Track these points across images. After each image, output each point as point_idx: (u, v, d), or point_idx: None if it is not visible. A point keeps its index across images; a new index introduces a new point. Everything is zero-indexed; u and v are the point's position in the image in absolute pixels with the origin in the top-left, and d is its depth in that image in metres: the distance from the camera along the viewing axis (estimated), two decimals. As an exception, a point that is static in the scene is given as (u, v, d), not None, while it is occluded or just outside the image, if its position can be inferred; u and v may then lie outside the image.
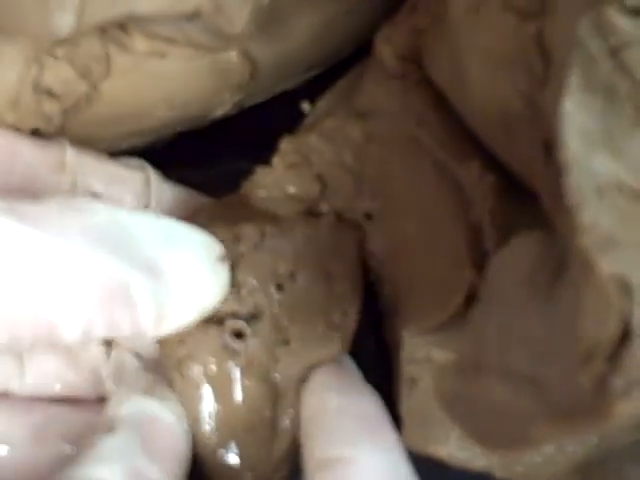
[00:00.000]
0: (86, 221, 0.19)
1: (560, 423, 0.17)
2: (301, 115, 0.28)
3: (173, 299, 0.20)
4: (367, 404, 0.21)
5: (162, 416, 0.21)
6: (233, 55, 0.24)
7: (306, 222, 0.24)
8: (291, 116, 0.28)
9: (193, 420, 0.22)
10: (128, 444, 0.20)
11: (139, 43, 0.23)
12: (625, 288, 0.15)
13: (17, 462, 0.22)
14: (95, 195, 0.24)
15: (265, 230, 0.23)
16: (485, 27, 0.20)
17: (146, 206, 0.25)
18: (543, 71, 0.19)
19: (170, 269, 0.20)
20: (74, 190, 0.24)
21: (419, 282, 0.23)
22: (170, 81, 0.24)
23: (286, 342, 0.23)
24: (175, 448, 0.21)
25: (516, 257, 0.19)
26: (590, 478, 0.22)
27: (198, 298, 0.21)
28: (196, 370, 0.22)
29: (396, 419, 0.22)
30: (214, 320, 0.22)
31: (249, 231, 0.23)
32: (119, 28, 0.23)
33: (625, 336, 0.15)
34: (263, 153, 0.26)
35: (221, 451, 0.22)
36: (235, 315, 0.23)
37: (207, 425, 0.22)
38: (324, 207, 0.25)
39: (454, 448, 0.22)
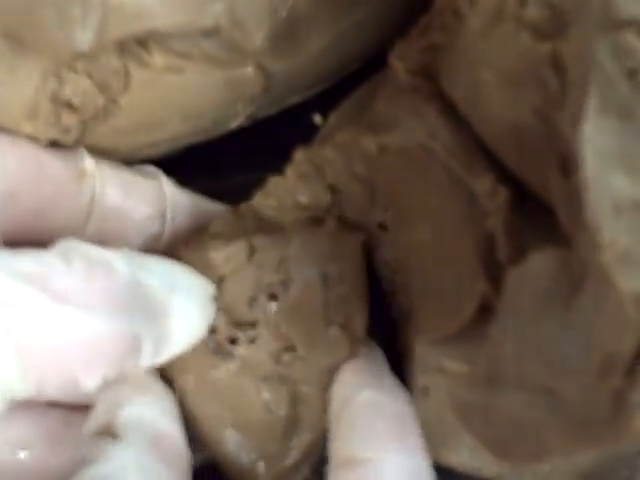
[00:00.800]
0: (109, 284, 0.21)
1: (576, 436, 0.17)
2: (312, 127, 0.28)
3: (172, 339, 0.22)
4: (397, 402, 0.22)
5: (160, 420, 0.21)
6: (248, 70, 0.25)
7: (305, 228, 0.25)
8: (302, 128, 0.28)
9: (208, 424, 0.23)
10: (138, 448, 0.20)
11: (157, 58, 0.23)
12: (643, 305, 0.15)
13: (35, 466, 0.22)
14: (113, 208, 0.24)
15: (256, 245, 0.24)
16: (500, 45, 0.21)
17: (161, 214, 0.25)
18: (559, 89, 0.19)
19: (174, 314, 0.22)
20: (92, 202, 0.24)
21: (431, 292, 0.23)
22: (186, 95, 0.25)
23: (292, 348, 0.23)
24: (177, 445, 0.21)
25: (533, 272, 0.19)
26: (600, 486, 0.22)
27: (190, 335, 0.23)
28: (190, 380, 0.23)
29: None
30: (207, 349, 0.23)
31: (239, 248, 0.24)
32: (138, 44, 0.23)
33: (643, 352, 0.15)
34: (274, 165, 0.26)
35: (238, 451, 0.23)
36: (230, 323, 0.23)
37: (222, 427, 0.23)
38: (331, 215, 0.25)
39: (466, 456, 0.23)
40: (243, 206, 0.26)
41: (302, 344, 0.23)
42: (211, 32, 0.23)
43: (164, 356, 0.22)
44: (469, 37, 0.21)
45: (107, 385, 0.21)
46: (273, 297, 0.23)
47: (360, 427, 0.21)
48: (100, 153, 0.25)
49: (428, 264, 0.23)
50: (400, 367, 0.24)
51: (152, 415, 0.21)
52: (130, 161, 0.26)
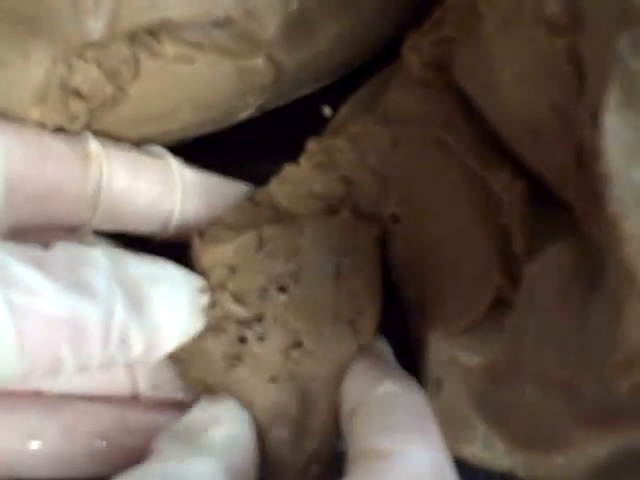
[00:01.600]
0: (92, 275, 0.21)
1: (595, 427, 0.17)
2: (321, 119, 0.28)
3: (160, 331, 0.22)
4: (414, 395, 0.21)
5: (243, 443, 0.22)
6: (259, 61, 0.25)
7: (319, 220, 0.25)
8: (312, 120, 0.28)
9: None
10: (216, 471, 0.20)
11: (168, 48, 0.23)
12: (668, 297, 0.15)
13: (49, 457, 0.23)
14: (121, 190, 0.24)
15: (264, 235, 0.24)
16: (517, 40, 0.21)
17: (171, 193, 0.25)
18: (577, 84, 0.19)
19: (159, 305, 0.22)
20: (99, 184, 0.24)
21: (446, 285, 0.23)
22: (196, 85, 0.24)
23: (299, 343, 0.23)
24: (250, 473, 0.22)
25: (551, 266, 0.19)
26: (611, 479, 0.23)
27: (181, 327, 0.23)
28: (215, 384, 0.23)
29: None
30: (217, 330, 0.23)
31: (248, 239, 0.24)
32: (149, 33, 0.23)
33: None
34: (283, 156, 0.26)
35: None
36: (237, 321, 0.23)
37: None
38: (345, 206, 0.25)
39: (478, 448, 0.23)
40: (259, 192, 0.26)
41: (310, 338, 0.23)
42: (223, 23, 0.23)
43: (156, 351, 0.22)
44: (486, 32, 0.21)
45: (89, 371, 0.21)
46: (282, 289, 0.23)
47: (380, 419, 0.21)
48: (106, 139, 0.25)
49: (442, 257, 0.23)
50: (408, 360, 0.25)
51: (240, 444, 0.22)
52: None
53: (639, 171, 0.16)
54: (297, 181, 0.25)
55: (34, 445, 0.22)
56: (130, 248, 0.24)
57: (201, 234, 0.24)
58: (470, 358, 0.22)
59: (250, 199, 0.26)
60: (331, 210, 0.25)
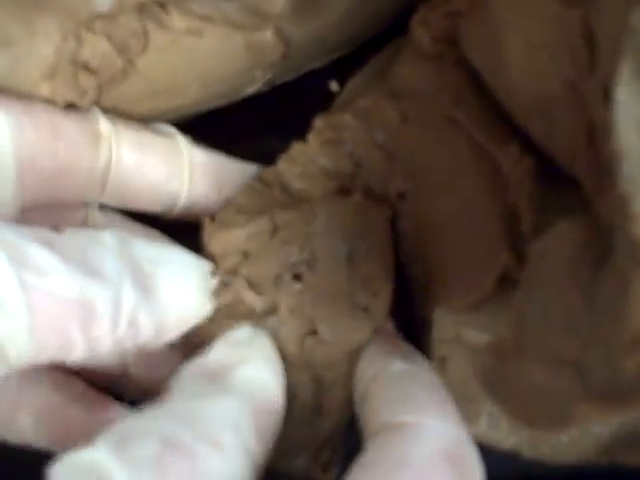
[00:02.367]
0: (99, 256, 0.21)
1: (602, 404, 0.17)
2: (328, 94, 0.28)
3: (168, 313, 0.22)
4: (428, 372, 0.21)
5: (270, 387, 0.21)
6: (268, 34, 0.25)
7: (332, 202, 0.25)
8: (319, 95, 0.28)
9: None
10: (240, 412, 0.20)
11: (177, 21, 0.23)
12: (676, 277, 0.15)
13: (32, 426, 0.23)
14: (130, 169, 0.24)
15: (278, 221, 0.24)
16: (528, 13, 0.20)
17: (179, 173, 0.25)
18: (588, 58, 0.19)
19: (166, 288, 0.22)
20: (109, 163, 0.24)
21: (452, 262, 0.23)
22: (205, 58, 0.24)
23: (313, 331, 0.23)
24: (276, 419, 0.21)
25: (558, 243, 0.19)
26: (615, 458, 0.23)
27: (190, 309, 0.23)
28: None
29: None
30: (231, 321, 0.23)
31: (261, 225, 0.24)
32: (158, 5, 0.23)
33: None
34: (290, 131, 0.26)
35: None
36: (251, 314, 0.23)
37: None
38: (356, 185, 0.25)
39: (483, 426, 0.23)
40: (267, 172, 0.25)
41: (325, 326, 0.23)
42: (232, -6, 0.23)
43: (165, 334, 0.22)
44: (495, 5, 0.21)
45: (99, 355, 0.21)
46: (297, 277, 0.23)
47: (398, 394, 0.20)
48: (114, 115, 0.25)
49: (449, 234, 0.23)
50: (409, 339, 0.24)
51: (267, 387, 0.21)
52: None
53: (652, 149, 0.16)
54: (305, 159, 0.25)
55: (19, 415, 0.23)
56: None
57: (212, 217, 0.24)
58: (476, 335, 0.21)
59: (259, 179, 0.25)
60: (342, 190, 0.25)
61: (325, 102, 0.28)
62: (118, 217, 0.25)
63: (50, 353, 0.20)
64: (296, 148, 0.25)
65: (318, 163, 0.25)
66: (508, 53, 0.21)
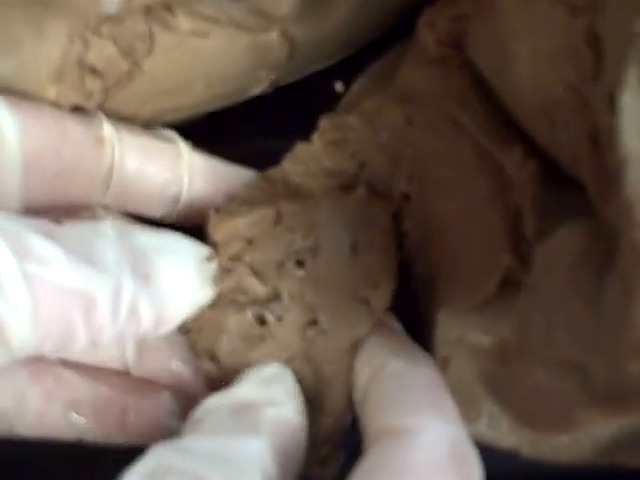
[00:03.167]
0: (99, 246, 0.21)
1: (605, 408, 0.17)
2: (333, 95, 0.28)
3: (169, 301, 0.22)
4: (427, 370, 0.21)
5: (296, 430, 0.22)
6: (273, 35, 0.25)
7: (335, 196, 0.25)
8: (323, 96, 0.28)
9: None
10: (268, 455, 0.20)
11: (183, 22, 0.23)
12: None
13: (33, 419, 0.23)
14: (132, 173, 0.24)
15: (282, 210, 0.24)
16: (535, 19, 0.20)
17: (179, 178, 0.25)
18: (593, 65, 0.19)
19: (164, 276, 0.22)
20: (112, 167, 0.24)
21: (455, 264, 0.23)
22: (210, 59, 0.24)
23: (314, 321, 0.23)
24: (299, 461, 0.21)
25: (562, 247, 0.19)
26: (615, 459, 0.23)
27: (190, 296, 0.23)
28: (225, 357, 0.23)
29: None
30: (235, 307, 0.23)
31: (265, 213, 0.24)
32: (164, 7, 0.23)
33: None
34: (294, 132, 0.26)
35: None
36: (255, 300, 0.23)
37: None
38: (360, 184, 0.25)
39: (484, 426, 0.23)
40: (272, 171, 0.26)
41: (326, 315, 0.23)
42: (241, -3, 0.23)
43: (167, 322, 0.22)
44: (503, 10, 0.21)
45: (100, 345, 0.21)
46: (300, 264, 0.23)
47: (395, 396, 0.21)
48: (121, 119, 0.25)
49: (453, 236, 0.23)
50: (415, 338, 0.25)
51: (292, 428, 0.21)
52: (151, 128, 0.26)
53: (656, 155, 0.16)
54: (309, 158, 0.25)
55: (74, 416, 0.23)
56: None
57: (217, 210, 0.24)
58: (479, 337, 0.22)
59: (264, 177, 0.26)
60: (345, 187, 0.25)
61: (330, 103, 0.28)
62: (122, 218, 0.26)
63: (52, 343, 0.20)
64: (300, 148, 0.25)
65: (322, 163, 0.25)
66: (514, 57, 0.21)
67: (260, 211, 0.24)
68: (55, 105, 0.23)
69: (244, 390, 0.22)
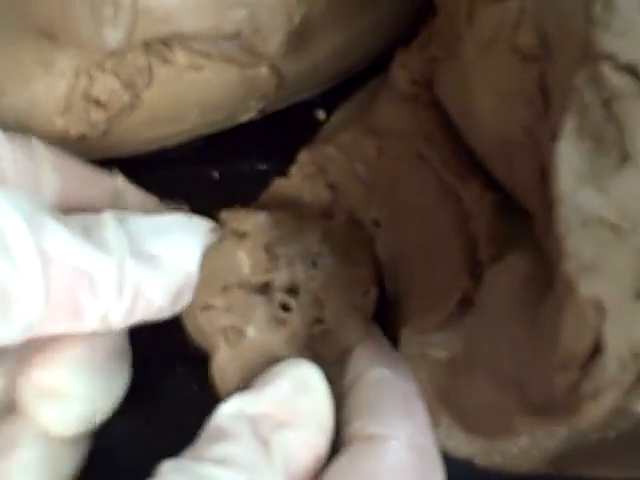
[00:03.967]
0: (100, 233, 0.22)
1: (536, 417, 0.19)
2: (316, 122, 0.30)
3: (177, 280, 0.23)
4: (405, 381, 0.22)
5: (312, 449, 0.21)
6: (262, 70, 0.27)
7: (322, 221, 0.26)
8: (306, 122, 0.30)
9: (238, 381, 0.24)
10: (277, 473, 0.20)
11: (180, 57, 0.25)
12: (599, 309, 0.17)
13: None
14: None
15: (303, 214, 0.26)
16: (493, 65, 0.22)
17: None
18: (543, 108, 0.21)
19: (170, 255, 0.23)
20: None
21: (418, 286, 0.25)
22: (204, 90, 0.27)
23: (320, 320, 0.24)
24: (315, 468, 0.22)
25: (509, 273, 0.21)
26: (563, 471, 0.25)
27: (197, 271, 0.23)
28: (243, 338, 0.24)
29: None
30: (260, 290, 0.24)
31: (288, 213, 0.25)
32: (162, 43, 0.25)
33: (597, 350, 0.17)
34: (277, 155, 0.28)
35: None
36: (273, 285, 0.24)
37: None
38: (337, 211, 0.27)
39: (443, 436, 0.25)
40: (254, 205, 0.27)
41: (330, 315, 0.24)
42: (232, 36, 0.25)
43: (177, 298, 0.23)
44: (465, 56, 0.23)
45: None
46: (314, 264, 0.25)
47: (370, 403, 0.21)
48: (122, 144, 0.27)
49: (417, 260, 0.25)
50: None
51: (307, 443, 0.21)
52: (148, 151, 0.28)
53: (585, 195, 0.18)
54: (287, 193, 0.27)
55: None
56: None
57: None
58: (436, 352, 0.23)
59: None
60: (324, 215, 0.27)
61: (312, 130, 0.30)
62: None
63: (62, 319, 0.21)
64: (278, 183, 0.27)
65: (299, 196, 0.27)
66: (476, 99, 0.23)
67: (282, 211, 0.25)
68: (63, 135, 0.25)
69: (273, 394, 0.22)
